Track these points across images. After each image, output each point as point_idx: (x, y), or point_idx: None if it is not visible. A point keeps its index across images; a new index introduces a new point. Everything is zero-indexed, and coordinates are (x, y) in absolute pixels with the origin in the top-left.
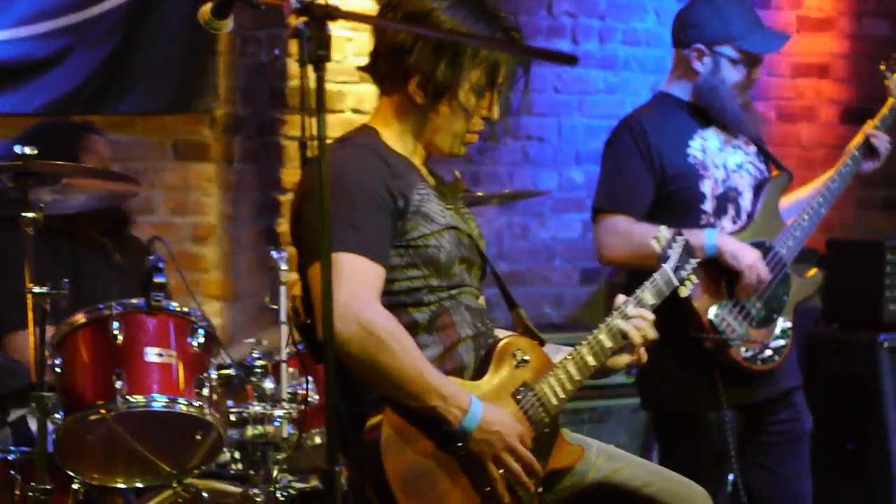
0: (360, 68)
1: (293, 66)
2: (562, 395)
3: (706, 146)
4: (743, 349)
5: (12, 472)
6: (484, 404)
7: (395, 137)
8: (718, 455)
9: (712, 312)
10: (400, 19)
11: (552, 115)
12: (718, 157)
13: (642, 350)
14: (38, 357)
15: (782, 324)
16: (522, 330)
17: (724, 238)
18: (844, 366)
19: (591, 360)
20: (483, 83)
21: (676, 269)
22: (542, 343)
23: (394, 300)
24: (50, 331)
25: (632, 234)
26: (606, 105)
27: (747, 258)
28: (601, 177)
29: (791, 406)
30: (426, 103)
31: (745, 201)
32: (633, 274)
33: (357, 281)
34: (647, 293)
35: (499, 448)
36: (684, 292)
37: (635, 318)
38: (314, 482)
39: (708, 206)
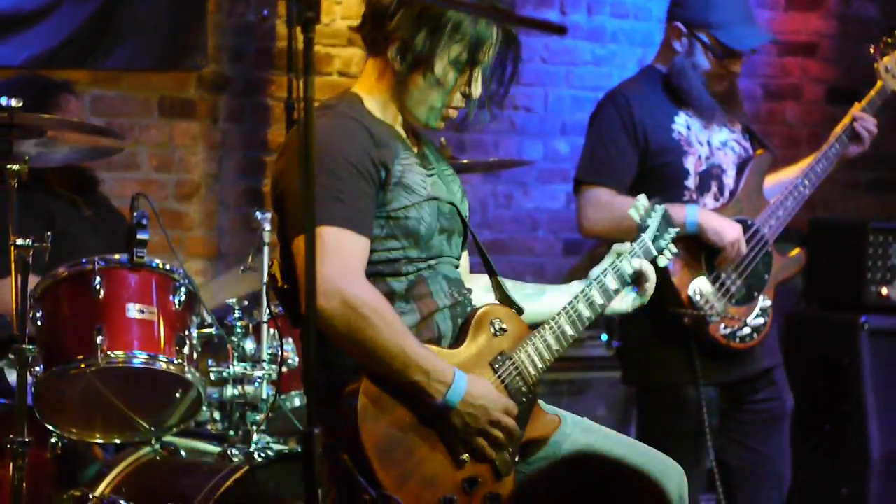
0: (352, 28)
1: (281, 28)
2: (539, 365)
3: (690, 122)
4: (722, 326)
5: None
6: (468, 377)
7: (377, 104)
8: (697, 431)
9: (692, 288)
10: None
11: (539, 86)
12: (703, 134)
13: (649, 286)
14: (19, 309)
15: (762, 302)
16: (501, 298)
17: (705, 214)
18: (824, 346)
19: (568, 330)
20: (463, 59)
21: (655, 239)
22: (519, 312)
23: (371, 269)
24: (33, 282)
25: (613, 206)
26: (593, 77)
27: (730, 234)
28: (584, 149)
29: (771, 385)
30: (403, 71)
31: (729, 179)
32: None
33: (342, 255)
34: (626, 262)
35: (483, 421)
36: (663, 262)
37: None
38: (292, 444)
39: (691, 182)
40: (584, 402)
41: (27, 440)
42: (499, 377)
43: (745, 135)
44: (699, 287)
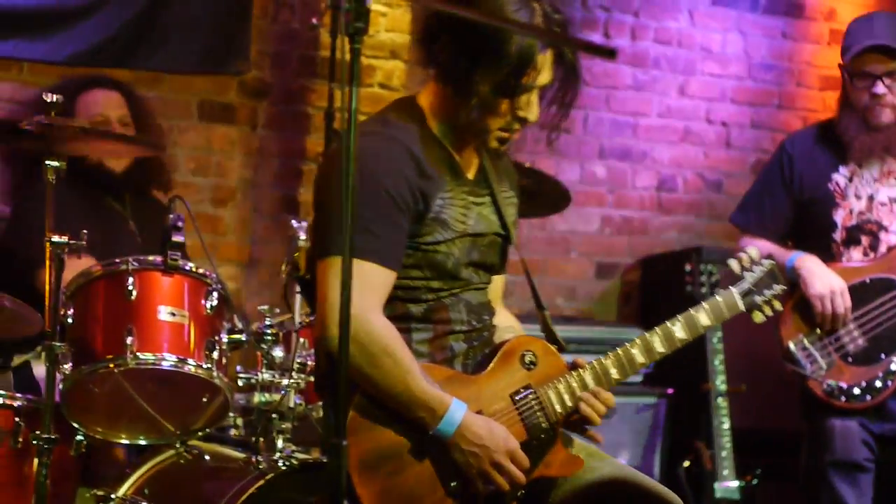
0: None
1: (325, 36)
2: (569, 404)
3: (856, 175)
4: (824, 382)
5: (17, 419)
6: (470, 414)
7: (437, 119)
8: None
9: (794, 341)
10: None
11: (579, 107)
12: (866, 188)
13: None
14: (52, 305)
15: (892, 365)
16: (545, 332)
17: (806, 260)
18: None
19: (614, 373)
20: (508, 83)
21: (749, 293)
22: (561, 350)
23: (391, 293)
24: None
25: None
26: (633, 101)
27: (816, 286)
28: (748, 191)
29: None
30: (449, 95)
31: (891, 236)
32: (647, 273)
33: (362, 288)
34: (702, 314)
35: (486, 463)
36: (759, 318)
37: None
38: (317, 454)
39: (837, 235)
40: (610, 425)
41: (53, 437)
42: (517, 409)
43: None
44: (803, 340)
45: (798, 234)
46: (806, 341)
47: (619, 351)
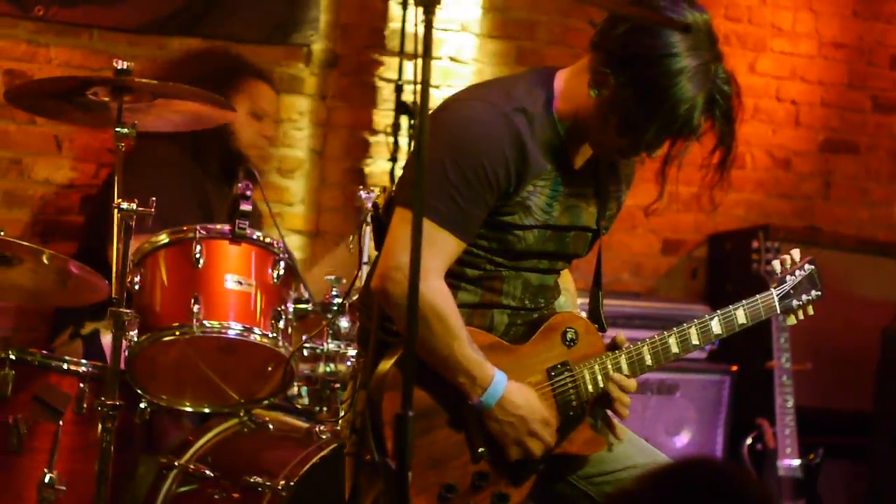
0: (591, 22)
1: (395, 8)
2: (601, 385)
3: None
4: None
5: (82, 385)
6: (509, 384)
7: (566, 108)
8: None
9: None
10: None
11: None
12: None
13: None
14: (119, 272)
15: None
16: (591, 310)
17: None
18: None
19: (648, 360)
20: (660, 136)
21: (787, 296)
22: (602, 330)
23: None
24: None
25: None
26: None
27: None
28: None
29: None
30: (594, 103)
31: None
32: (714, 250)
33: (431, 252)
34: (741, 311)
35: (522, 431)
36: (791, 321)
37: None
38: None
39: None
40: (673, 402)
41: (118, 403)
42: (551, 385)
43: None
44: None
45: None
46: None
47: (656, 338)
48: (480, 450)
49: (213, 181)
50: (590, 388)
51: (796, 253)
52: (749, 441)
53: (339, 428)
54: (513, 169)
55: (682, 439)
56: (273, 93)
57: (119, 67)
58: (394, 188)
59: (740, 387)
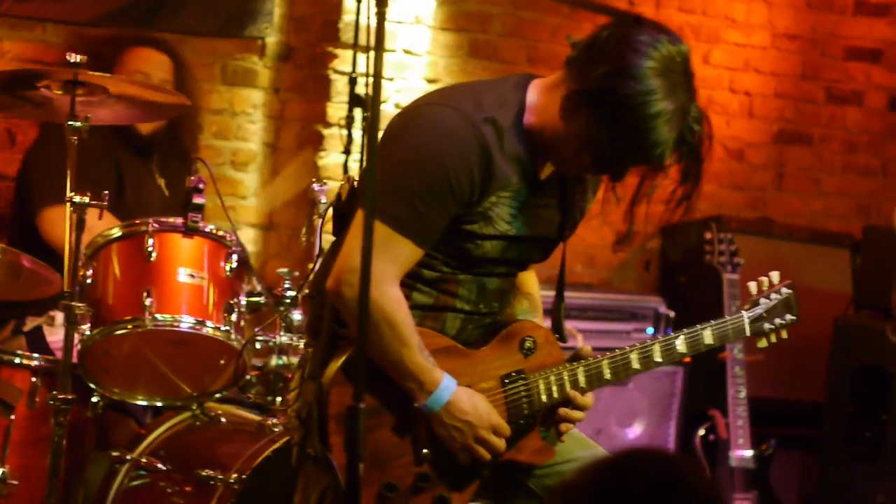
0: (568, 39)
1: (349, 0)
2: (555, 396)
3: None
4: None
5: (34, 379)
6: (458, 390)
7: (536, 120)
8: None
9: None
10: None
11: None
12: None
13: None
14: (71, 266)
15: None
16: (553, 321)
17: None
18: (870, 354)
19: (606, 374)
20: (632, 167)
21: (759, 319)
22: (562, 340)
23: None
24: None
25: None
26: None
27: None
28: None
29: None
30: (564, 121)
31: None
32: (667, 242)
33: (390, 259)
34: (708, 332)
35: (469, 438)
36: (762, 343)
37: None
38: None
39: None
40: (626, 393)
41: (71, 397)
42: (504, 392)
43: None
44: None
45: None
46: None
47: (617, 352)
48: (424, 451)
49: (129, 155)
50: (543, 398)
51: (775, 275)
52: (701, 432)
53: (287, 415)
54: (477, 179)
55: (635, 431)
56: (160, 55)
57: (72, 61)
58: (357, 182)
59: (693, 378)
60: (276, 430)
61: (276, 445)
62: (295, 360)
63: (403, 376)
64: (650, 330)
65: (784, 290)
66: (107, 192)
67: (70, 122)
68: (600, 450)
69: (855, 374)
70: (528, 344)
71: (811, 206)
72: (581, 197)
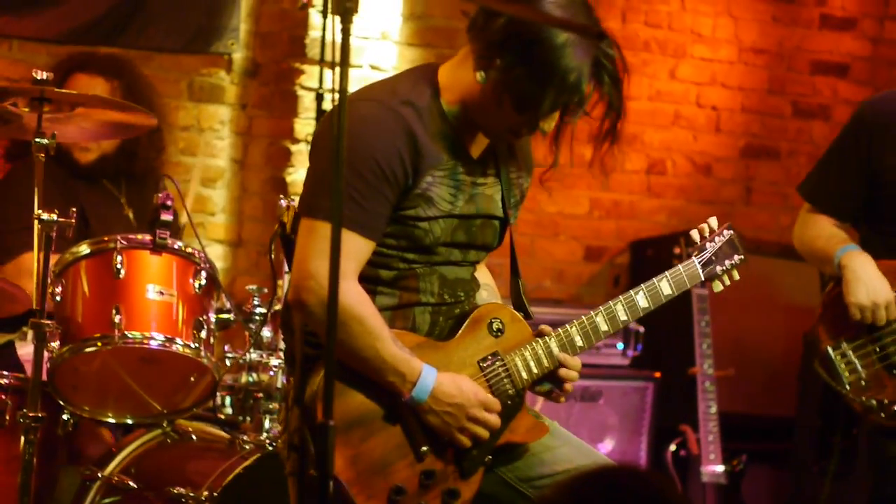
0: (465, 13)
1: (315, 16)
2: (535, 371)
3: None
4: (862, 397)
5: (3, 397)
6: (440, 375)
7: (454, 94)
8: None
9: (833, 346)
10: None
11: None
12: None
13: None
14: (40, 284)
15: None
16: (514, 300)
17: (854, 259)
18: None
19: (578, 341)
20: (553, 105)
21: (709, 263)
22: (528, 317)
23: None
24: (54, 259)
25: (816, 236)
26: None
27: (858, 295)
28: (819, 160)
29: None
30: (484, 88)
31: None
32: (636, 257)
33: (341, 256)
34: (665, 282)
35: (462, 419)
36: (717, 287)
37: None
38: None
39: None
40: (597, 408)
41: (41, 415)
42: (484, 376)
43: None
44: (844, 347)
45: (872, 217)
46: (846, 348)
47: (584, 318)
48: (423, 448)
49: (85, 182)
50: (524, 374)
51: (713, 220)
52: (673, 447)
53: (277, 448)
54: (407, 160)
55: (606, 446)
56: (104, 81)
57: (38, 77)
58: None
59: (663, 393)
60: (247, 447)
61: (247, 463)
62: (266, 377)
63: (382, 371)
64: (620, 345)
65: (726, 231)
66: (74, 209)
67: (37, 140)
68: (602, 458)
69: (825, 388)
70: (496, 325)
71: (779, 220)
72: (517, 175)
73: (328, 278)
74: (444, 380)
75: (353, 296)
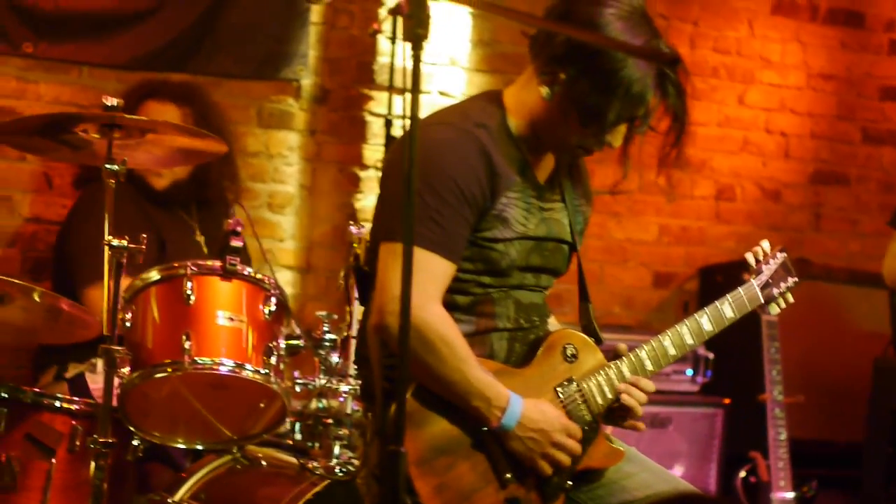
0: (524, 34)
1: (384, 42)
2: (609, 396)
3: None
4: None
5: (74, 423)
6: (525, 401)
7: (520, 116)
8: None
9: None
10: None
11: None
12: None
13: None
14: (110, 309)
15: None
16: (585, 325)
17: None
18: None
19: (648, 365)
20: (620, 117)
21: (767, 286)
22: (599, 342)
23: None
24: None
25: None
26: (692, 110)
27: None
28: None
29: None
30: (550, 105)
31: None
32: (705, 283)
33: (423, 278)
34: (727, 306)
35: (546, 444)
36: (774, 310)
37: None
38: None
39: None
40: (666, 435)
41: (111, 441)
42: (562, 402)
43: None
44: None
45: None
46: None
47: (653, 342)
48: (507, 475)
49: (160, 208)
50: (599, 400)
51: (766, 243)
52: (742, 474)
53: (358, 483)
54: (485, 181)
55: (675, 473)
56: (174, 108)
57: (108, 104)
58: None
59: (733, 420)
60: (317, 473)
61: (317, 489)
62: (335, 403)
63: (468, 395)
64: (689, 371)
65: (779, 254)
66: (144, 235)
67: (107, 166)
68: (683, 484)
69: (895, 414)
70: (570, 351)
71: (849, 246)
72: (579, 203)
73: (415, 300)
74: (529, 405)
75: (440, 318)
